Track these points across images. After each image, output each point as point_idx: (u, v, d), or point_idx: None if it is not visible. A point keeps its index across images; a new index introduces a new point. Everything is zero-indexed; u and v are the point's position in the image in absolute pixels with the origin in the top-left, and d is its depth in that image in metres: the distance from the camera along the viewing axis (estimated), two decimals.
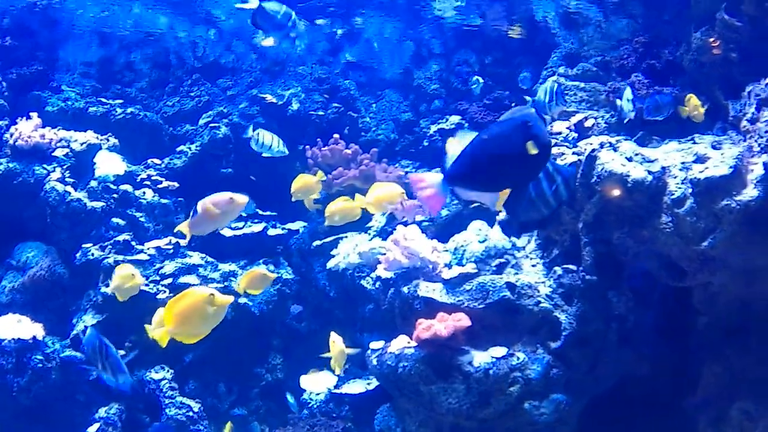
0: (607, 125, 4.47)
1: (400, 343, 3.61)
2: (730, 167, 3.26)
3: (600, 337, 3.77)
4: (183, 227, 3.29)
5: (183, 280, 4.58)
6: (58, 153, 5.24)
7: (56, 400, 4.46)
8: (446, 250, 3.89)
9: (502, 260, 3.78)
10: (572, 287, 3.74)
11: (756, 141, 3.40)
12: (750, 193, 3.21)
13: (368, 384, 4.21)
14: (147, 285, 4.57)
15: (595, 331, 3.75)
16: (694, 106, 3.90)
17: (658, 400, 4.09)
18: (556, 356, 3.70)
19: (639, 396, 4.11)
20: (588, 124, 4.28)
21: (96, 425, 4.10)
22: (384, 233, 4.42)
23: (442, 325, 3.46)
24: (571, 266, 3.78)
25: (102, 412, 4.23)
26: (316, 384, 4.31)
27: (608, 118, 4.50)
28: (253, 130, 4.53)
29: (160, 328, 3.01)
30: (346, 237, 4.44)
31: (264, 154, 4.57)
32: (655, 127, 4.26)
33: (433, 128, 5.25)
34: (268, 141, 4.46)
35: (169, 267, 4.63)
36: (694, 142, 3.80)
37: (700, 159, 3.38)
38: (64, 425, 4.34)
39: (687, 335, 3.89)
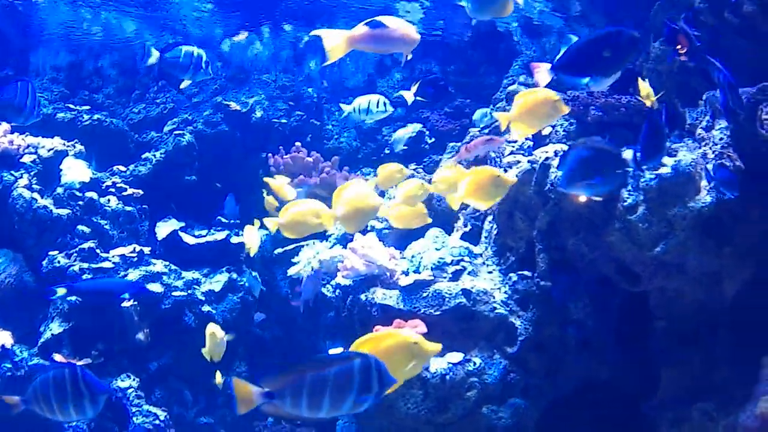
0: (566, 133, 4.52)
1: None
2: (683, 174, 3.34)
3: (556, 342, 3.84)
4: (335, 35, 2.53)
5: (147, 287, 4.59)
6: (26, 159, 5.21)
7: (25, 410, 4.43)
8: (404, 258, 3.94)
9: (458, 267, 3.83)
10: (527, 293, 3.81)
11: (710, 148, 3.47)
12: (703, 199, 3.30)
13: None
14: None
15: (551, 337, 3.82)
16: (645, 90, 3.85)
17: (618, 404, 4.13)
18: (512, 361, 3.77)
19: (599, 400, 4.16)
20: (545, 132, 4.33)
21: None
22: (344, 241, 4.44)
23: None
24: (526, 272, 3.85)
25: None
26: None
27: (567, 126, 4.55)
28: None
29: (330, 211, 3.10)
30: (307, 245, 4.48)
31: (368, 121, 4.15)
32: (615, 135, 4.32)
33: (395, 136, 5.30)
34: (365, 104, 3.92)
35: (134, 275, 4.62)
36: None
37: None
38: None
39: (646, 339, 3.94)
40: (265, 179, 4.15)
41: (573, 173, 2.95)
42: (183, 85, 3.74)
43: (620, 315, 3.95)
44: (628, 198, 3.42)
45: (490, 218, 4.22)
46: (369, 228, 4.35)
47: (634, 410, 3.87)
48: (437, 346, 2.59)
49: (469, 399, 3.65)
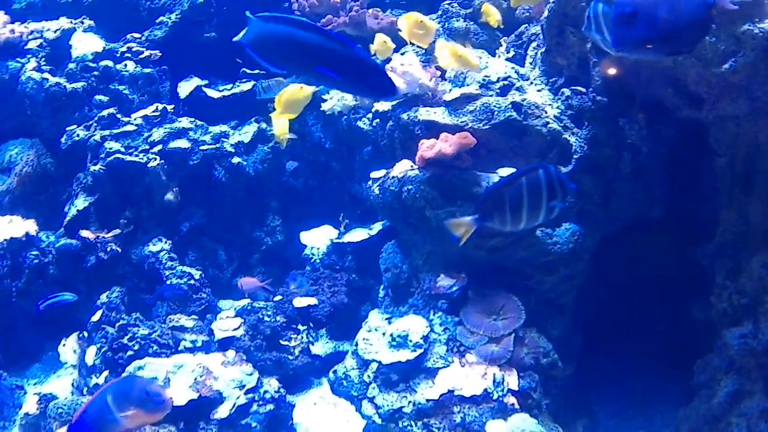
0: None
1: (403, 167, 3.45)
2: None
3: (612, 165, 3.63)
4: None
5: (173, 144, 4.39)
6: (32, 45, 5.01)
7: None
8: (445, 80, 3.70)
9: (506, 83, 3.59)
10: (582, 109, 3.58)
11: None
12: None
13: (370, 231, 4.08)
14: (137, 155, 4.41)
15: (607, 158, 3.61)
16: None
17: (671, 248, 3.96)
18: None
19: (651, 242, 3.99)
20: None
21: (99, 312, 3.96)
22: None
23: (447, 144, 3.29)
24: (580, 88, 3.62)
25: (104, 297, 4.07)
26: (316, 238, 4.17)
27: None
28: None
29: None
30: None
31: None
32: None
33: None
34: None
35: (158, 134, 4.43)
36: None
37: None
38: (67, 321, 4.19)
39: (701, 178, 3.73)
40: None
41: None
42: None
43: (674, 150, 3.73)
44: None
45: (534, 44, 3.97)
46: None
47: (688, 256, 3.68)
48: None
49: None
